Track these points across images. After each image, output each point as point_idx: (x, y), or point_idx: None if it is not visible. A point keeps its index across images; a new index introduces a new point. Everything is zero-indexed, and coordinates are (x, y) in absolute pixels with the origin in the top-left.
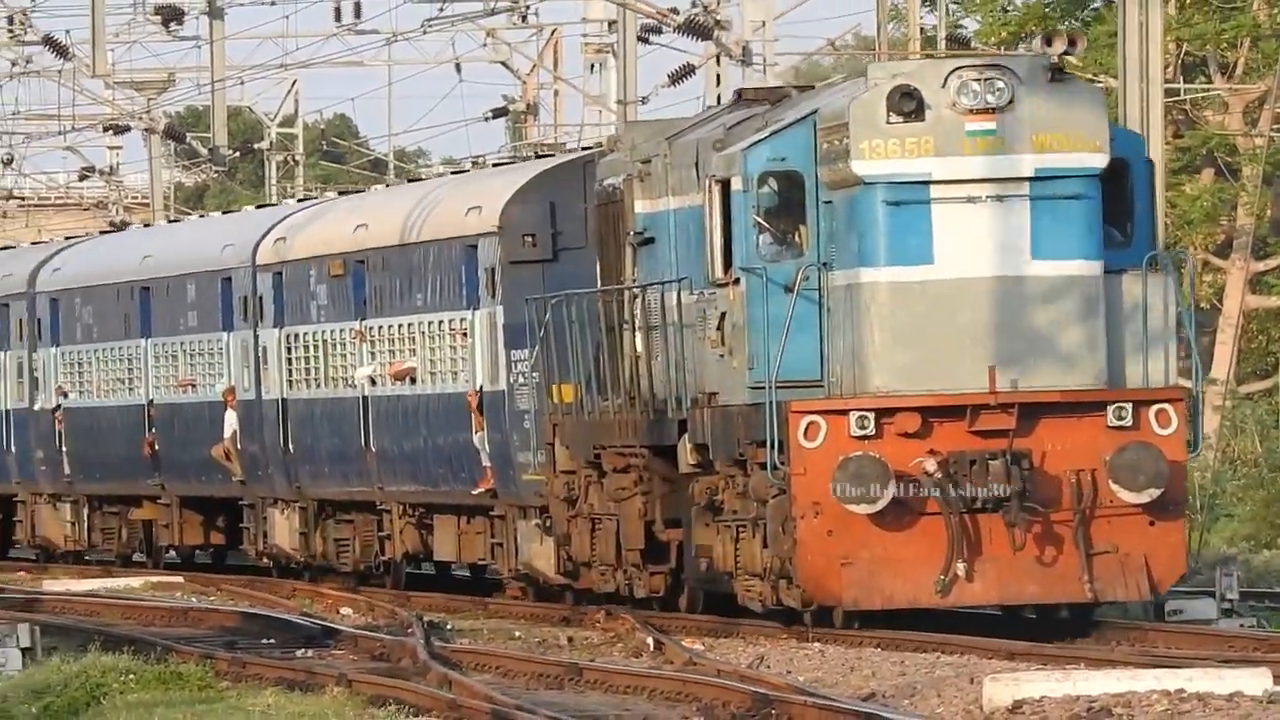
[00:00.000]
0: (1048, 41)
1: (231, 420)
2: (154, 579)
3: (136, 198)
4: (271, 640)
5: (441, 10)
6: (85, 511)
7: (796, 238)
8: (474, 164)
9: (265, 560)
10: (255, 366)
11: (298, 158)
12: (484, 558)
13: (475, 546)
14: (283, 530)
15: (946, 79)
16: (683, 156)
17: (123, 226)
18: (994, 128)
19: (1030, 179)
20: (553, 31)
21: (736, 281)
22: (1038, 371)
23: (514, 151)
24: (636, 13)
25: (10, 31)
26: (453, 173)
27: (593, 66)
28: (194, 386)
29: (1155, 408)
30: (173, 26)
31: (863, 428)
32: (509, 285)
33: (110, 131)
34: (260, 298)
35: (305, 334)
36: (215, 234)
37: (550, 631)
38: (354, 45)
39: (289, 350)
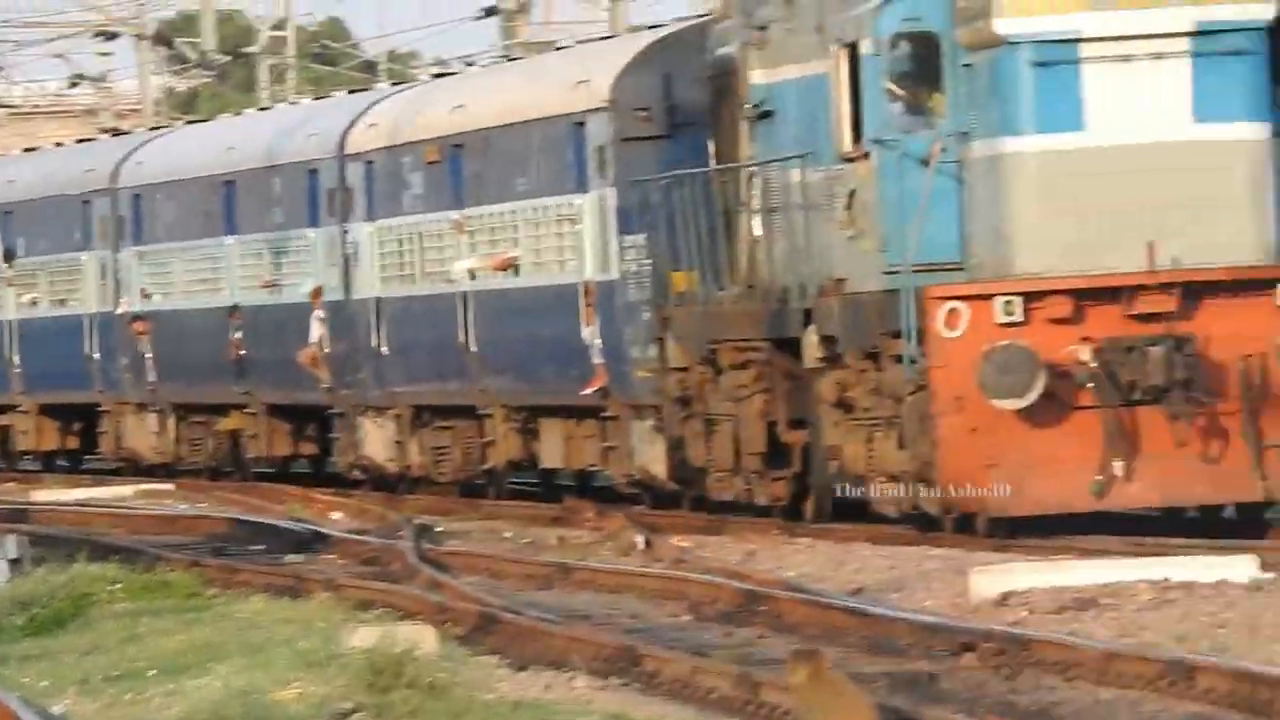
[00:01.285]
0: None
1: (318, 323)
2: (144, 486)
3: (127, 104)
4: (261, 546)
5: None
6: (172, 421)
7: (933, 105)
8: (467, 65)
9: (356, 473)
10: (344, 264)
11: (289, 61)
12: (594, 464)
13: (584, 452)
14: (375, 440)
15: None
16: (805, 18)
17: (118, 134)
18: None
19: (1191, 34)
20: None
21: (867, 155)
22: (1201, 247)
23: (505, 51)
24: None
25: None
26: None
27: None
28: (279, 287)
29: None
30: None
31: (1009, 314)
32: (621, 165)
33: (100, 37)
34: (349, 189)
35: (399, 226)
36: (301, 122)
37: (541, 532)
38: None
39: (381, 245)
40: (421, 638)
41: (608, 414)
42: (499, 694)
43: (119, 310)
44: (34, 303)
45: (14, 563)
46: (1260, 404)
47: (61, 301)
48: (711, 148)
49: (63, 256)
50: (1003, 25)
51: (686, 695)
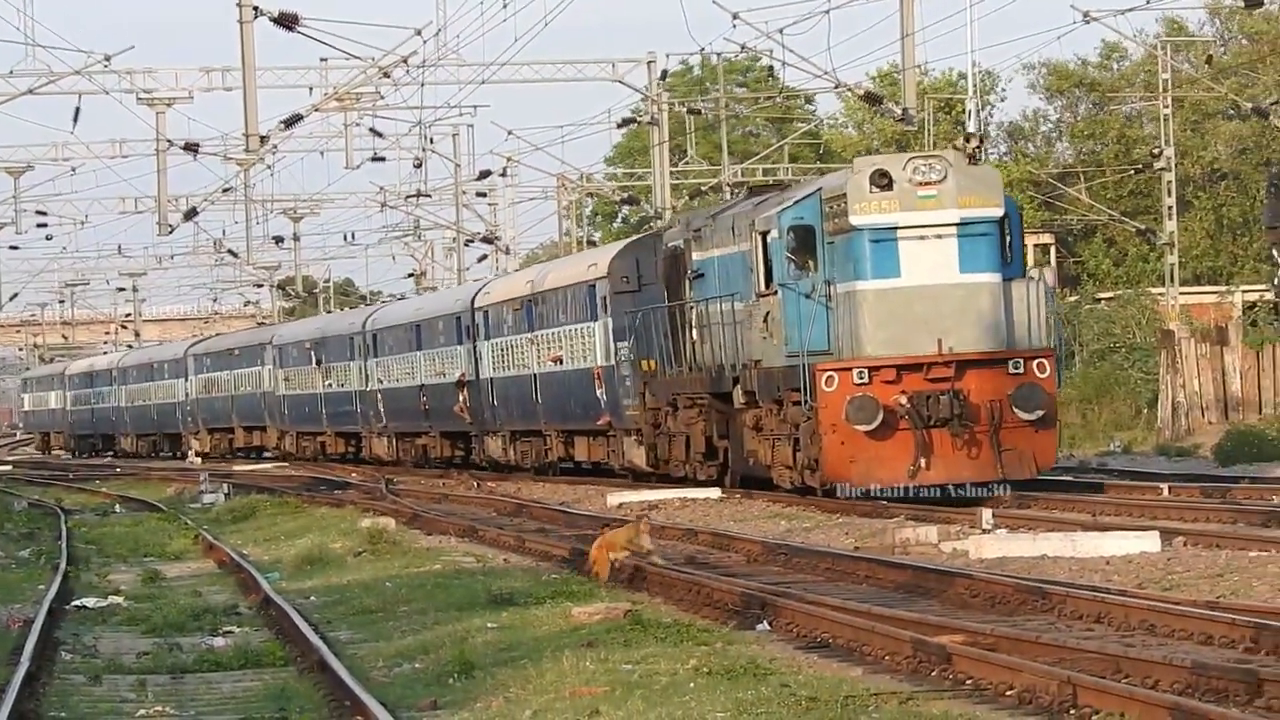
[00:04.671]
0: (966, 140)
1: (464, 392)
2: (275, 466)
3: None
4: (323, 487)
5: None
6: (396, 442)
7: (811, 265)
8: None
9: (485, 464)
10: (475, 361)
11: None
12: (602, 459)
13: (598, 452)
14: (493, 447)
15: (906, 164)
16: (723, 224)
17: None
18: (935, 194)
19: (957, 224)
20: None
21: (775, 292)
22: (967, 340)
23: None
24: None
25: None
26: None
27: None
28: (444, 374)
29: (1036, 360)
30: None
31: (861, 379)
32: (614, 305)
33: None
34: (477, 325)
35: (501, 342)
36: (453, 294)
37: (439, 482)
38: None
39: (492, 352)
40: (389, 523)
41: (611, 433)
42: (422, 544)
43: (368, 387)
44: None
45: (226, 495)
46: (999, 427)
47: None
48: (665, 295)
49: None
50: (855, 219)
51: (496, 544)
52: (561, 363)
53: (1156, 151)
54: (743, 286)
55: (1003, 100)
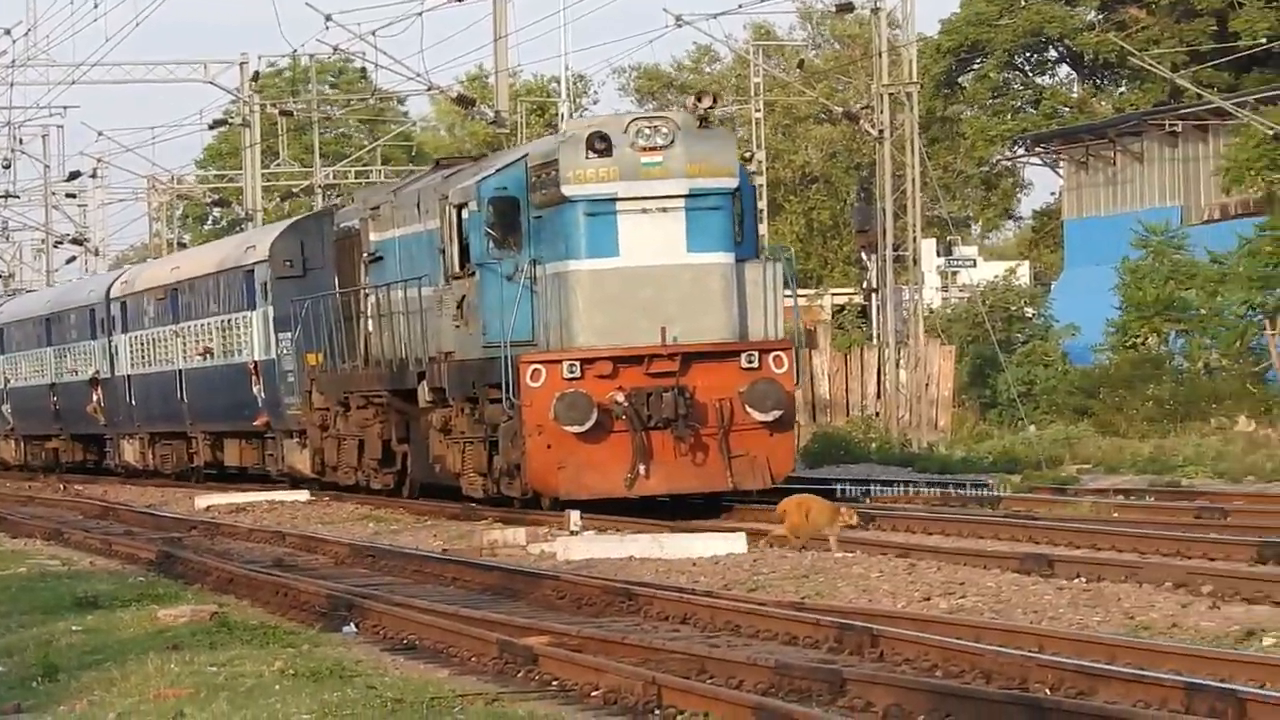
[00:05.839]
0: (698, 99)
1: (97, 391)
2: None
3: None
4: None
5: None
6: (24, 446)
7: (514, 243)
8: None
9: (120, 469)
10: (111, 357)
11: None
12: (256, 464)
13: (251, 456)
14: (130, 451)
15: (627, 127)
16: (407, 199)
17: None
18: (661, 160)
19: (686, 196)
20: None
21: (472, 275)
22: (694, 330)
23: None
24: None
25: None
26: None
27: None
28: (77, 371)
29: (773, 354)
30: None
31: (572, 372)
32: (276, 292)
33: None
34: (113, 317)
35: (141, 335)
36: (87, 284)
37: (26, 485)
38: None
39: (130, 346)
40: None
41: (270, 435)
42: (6, 547)
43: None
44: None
45: None
46: (729, 430)
47: None
48: (337, 281)
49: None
50: (568, 189)
51: (83, 546)
52: (212, 356)
53: (748, 155)
54: (431, 269)
55: (595, 104)
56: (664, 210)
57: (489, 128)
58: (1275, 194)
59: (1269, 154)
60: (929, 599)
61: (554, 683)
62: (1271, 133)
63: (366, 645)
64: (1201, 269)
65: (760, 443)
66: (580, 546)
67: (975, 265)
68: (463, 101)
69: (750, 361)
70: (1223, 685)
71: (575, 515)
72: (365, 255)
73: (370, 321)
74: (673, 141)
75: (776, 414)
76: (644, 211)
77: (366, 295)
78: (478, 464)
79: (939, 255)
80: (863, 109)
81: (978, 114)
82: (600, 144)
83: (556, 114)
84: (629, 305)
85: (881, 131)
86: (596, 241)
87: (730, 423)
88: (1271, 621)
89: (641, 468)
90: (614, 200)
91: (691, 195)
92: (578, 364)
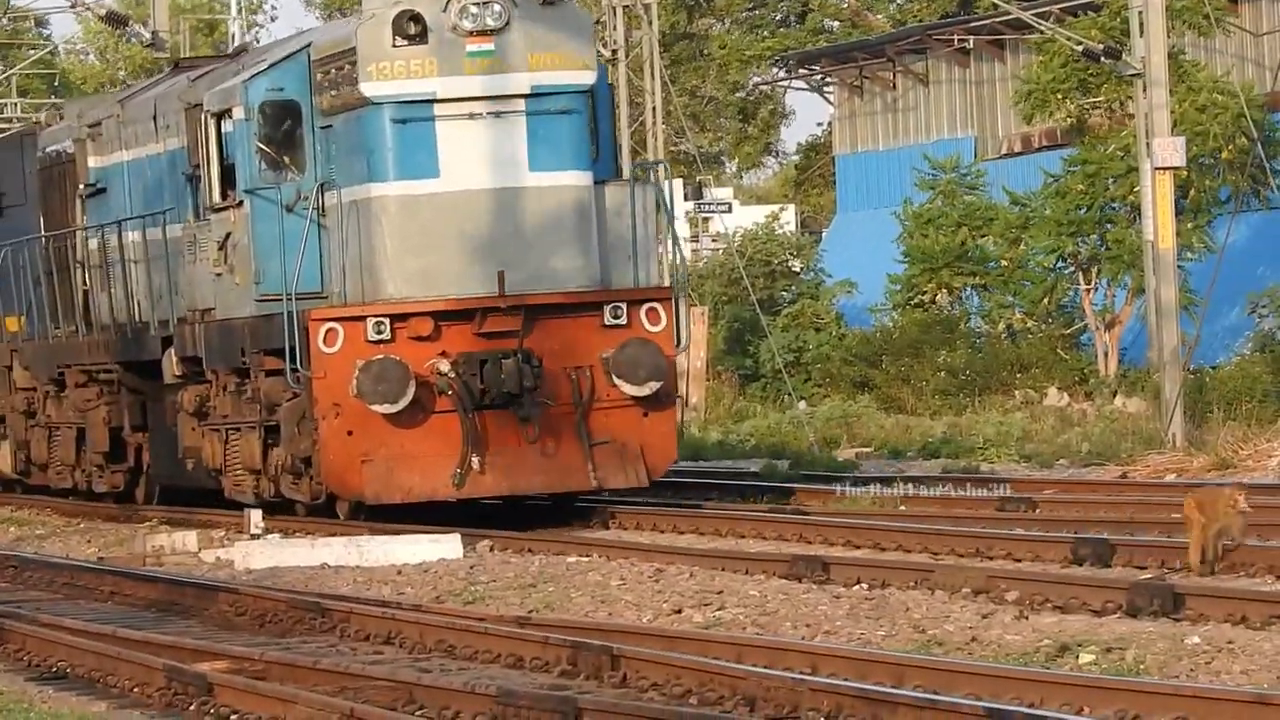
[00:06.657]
0: None
1: None
2: None
3: None
4: None
5: None
6: None
7: (295, 163)
8: None
9: None
10: None
11: None
12: None
13: None
14: None
15: (447, 4)
16: (139, 111)
17: None
18: (492, 48)
19: (526, 95)
20: None
21: (239, 205)
22: (541, 276)
23: None
24: None
25: None
26: None
27: None
28: None
29: (646, 306)
30: None
31: (379, 333)
32: None
33: None
34: None
35: None
36: None
37: None
38: None
39: None
40: None
41: None
42: None
43: None
44: None
45: None
46: (589, 408)
47: None
48: (42, 223)
49: None
50: (369, 88)
51: None
52: None
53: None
54: (177, 201)
55: (273, 20)
56: (498, 115)
57: (145, 50)
58: (1086, 122)
59: (1078, 74)
60: (680, 611)
61: (233, 716)
62: (1080, 48)
63: (9, 674)
64: (1000, 212)
65: (631, 426)
66: (263, 553)
67: (730, 210)
68: (113, 20)
69: (616, 317)
70: (1031, 711)
71: (256, 515)
72: (82, 187)
73: (92, 273)
74: (508, 23)
75: (653, 387)
76: (471, 117)
77: (88, 239)
78: (248, 458)
79: (687, 199)
80: (594, 24)
81: (730, 30)
82: (412, 27)
83: (227, 33)
84: (453, 243)
85: (615, 51)
86: (408, 158)
87: (591, 399)
88: (1088, 634)
89: (475, 460)
90: (431, 102)
91: (534, 95)
92: (386, 322)
